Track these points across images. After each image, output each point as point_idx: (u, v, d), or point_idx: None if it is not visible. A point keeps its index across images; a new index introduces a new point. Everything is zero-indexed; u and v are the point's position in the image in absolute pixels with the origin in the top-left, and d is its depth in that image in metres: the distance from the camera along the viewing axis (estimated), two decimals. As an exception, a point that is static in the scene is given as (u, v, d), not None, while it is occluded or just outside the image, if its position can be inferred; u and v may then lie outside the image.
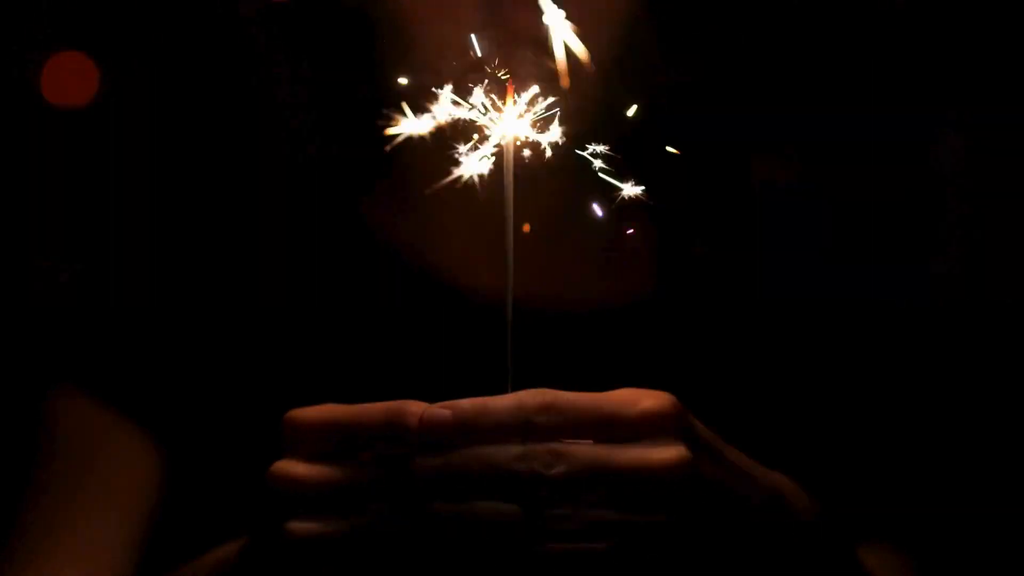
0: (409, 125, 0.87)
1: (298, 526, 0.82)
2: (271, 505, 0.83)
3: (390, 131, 0.88)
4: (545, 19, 0.87)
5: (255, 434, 0.92)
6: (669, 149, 0.98)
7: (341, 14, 1.23)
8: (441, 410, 0.80)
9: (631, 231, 1.16)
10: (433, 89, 0.87)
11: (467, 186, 0.88)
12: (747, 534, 0.88)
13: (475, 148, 0.87)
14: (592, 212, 0.92)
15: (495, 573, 0.82)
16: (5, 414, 1.22)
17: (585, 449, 0.81)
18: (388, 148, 0.88)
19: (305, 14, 1.26)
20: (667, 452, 0.82)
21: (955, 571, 1.26)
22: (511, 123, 0.87)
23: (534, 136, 0.88)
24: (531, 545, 0.82)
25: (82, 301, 1.25)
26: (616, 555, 0.83)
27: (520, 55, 0.91)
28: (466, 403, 0.81)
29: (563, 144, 0.89)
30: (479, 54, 0.92)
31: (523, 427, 0.80)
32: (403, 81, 0.92)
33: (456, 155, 0.87)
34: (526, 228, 0.94)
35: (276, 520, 0.83)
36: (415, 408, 0.81)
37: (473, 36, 1.02)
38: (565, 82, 0.88)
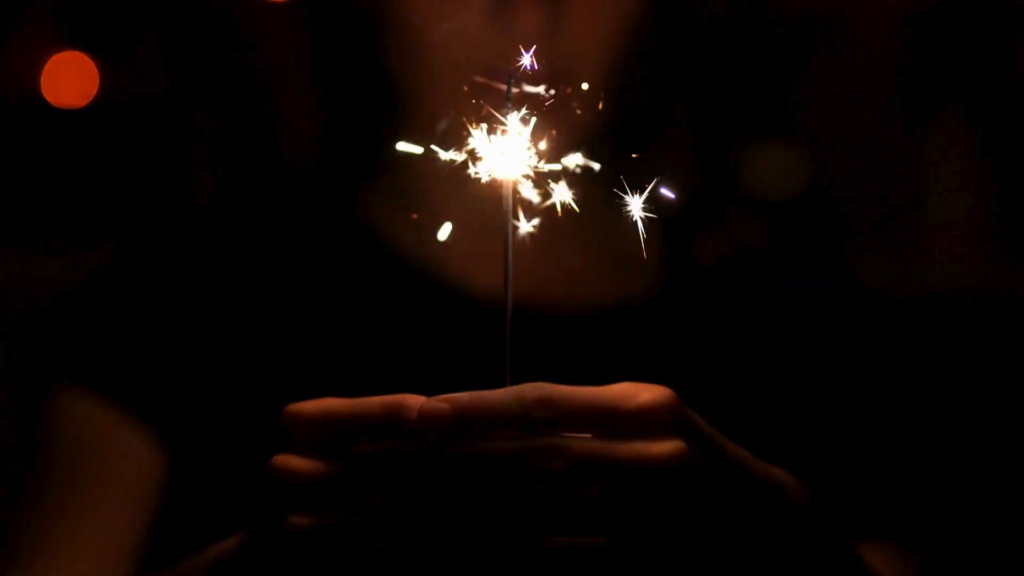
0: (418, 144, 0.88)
1: (298, 519, 0.82)
2: (271, 498, 0.83)
3: (400, 148, 0.88)
4: None
5: (255, 428, 0.92)
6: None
7: (351, 22, 1.24)
8: (440, 403, 0.80)
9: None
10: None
11: (468, 186, 0.88)
12: (746, 529, 0.88)
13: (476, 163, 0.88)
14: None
15: (494, 567, 0.82)
16: (7, 412, 1.23)
17: (584, 443, 0.81)
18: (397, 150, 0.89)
19: (314, 19, 1.27)
20: (665, 446, 0.82)
21: (956, 569, 1.26)
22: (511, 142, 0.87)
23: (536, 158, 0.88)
24: (530, 539, 0.82)
25: (83, 300, 1.25)
26: (615, 549, 0.83)
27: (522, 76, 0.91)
28: (465, 396, 0.81)
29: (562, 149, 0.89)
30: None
31: (522, 420, 0.80)
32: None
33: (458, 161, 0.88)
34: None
35: (276, 513, 0.83)
36: (414, 401, 0.81)
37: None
38: None
